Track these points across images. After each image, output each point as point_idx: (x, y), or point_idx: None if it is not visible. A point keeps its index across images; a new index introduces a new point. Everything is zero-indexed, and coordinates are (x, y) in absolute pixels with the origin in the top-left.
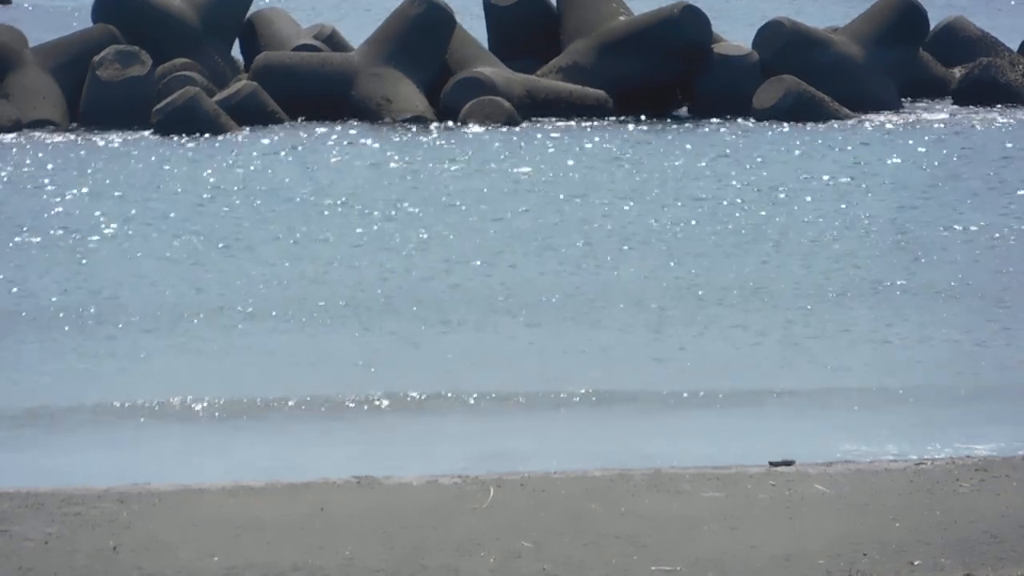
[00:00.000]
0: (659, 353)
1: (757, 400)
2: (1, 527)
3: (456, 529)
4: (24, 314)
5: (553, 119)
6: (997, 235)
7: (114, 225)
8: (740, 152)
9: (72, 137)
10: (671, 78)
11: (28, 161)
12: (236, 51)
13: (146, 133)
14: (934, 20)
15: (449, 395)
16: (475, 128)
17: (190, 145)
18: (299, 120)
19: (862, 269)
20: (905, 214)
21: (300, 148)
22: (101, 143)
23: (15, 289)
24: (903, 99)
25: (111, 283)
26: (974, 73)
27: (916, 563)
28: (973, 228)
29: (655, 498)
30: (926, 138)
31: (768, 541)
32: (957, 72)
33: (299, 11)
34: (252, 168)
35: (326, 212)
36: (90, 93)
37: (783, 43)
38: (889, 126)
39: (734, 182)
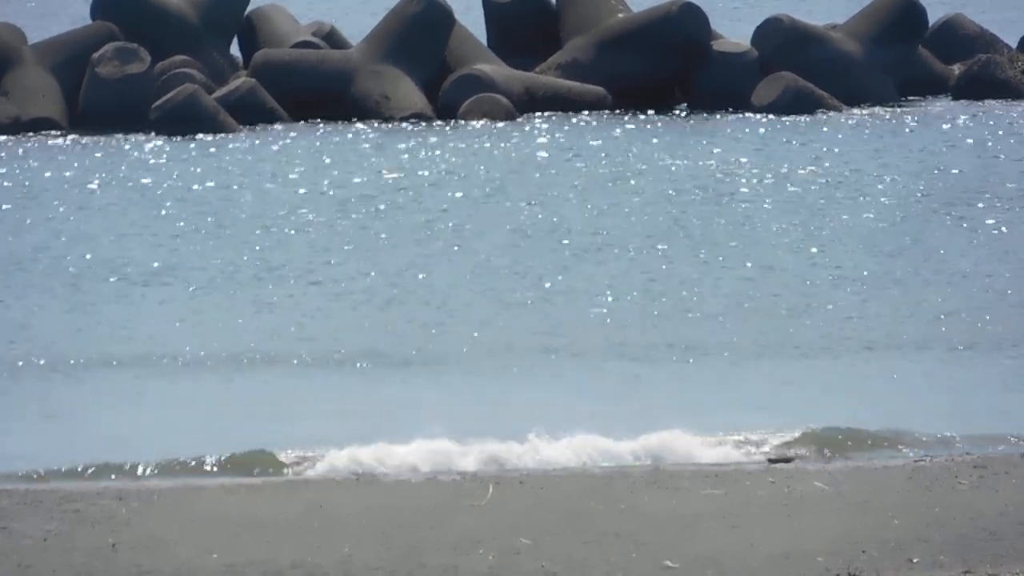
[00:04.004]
0: (657, 351)
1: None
2: (0, 524)
3: (455, 527)
4: (18, 302)
5: (552, 116)
6: (996, 234)
7: (112, 222)
8: (738, 150)
9: (71, 134)
10: (670, 75)
11: (27, 159)
12: (235, 48)
13: (145, 131)
14: (933, 17)
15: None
16: (474, 125)
17: (189, 142)
18: (298, 117)
19: (863, 270)
20: (905, 215)
21: (298, 145)
22: (100, 140)
23: (11, 285)
24: (902, 96)
25: (109, 280)
26: (973, 70)
27: (915, 560)
28: (973, 228)
29: (654, 496)
30: (925, 136)
31: (767, 539)
32: (956, 69)
33: (298, 8)
34: (251, 165)
35: (326, 210)
36: (89, 90)
37: (781, 40)
38: (888, 123)
39: (732, 181)
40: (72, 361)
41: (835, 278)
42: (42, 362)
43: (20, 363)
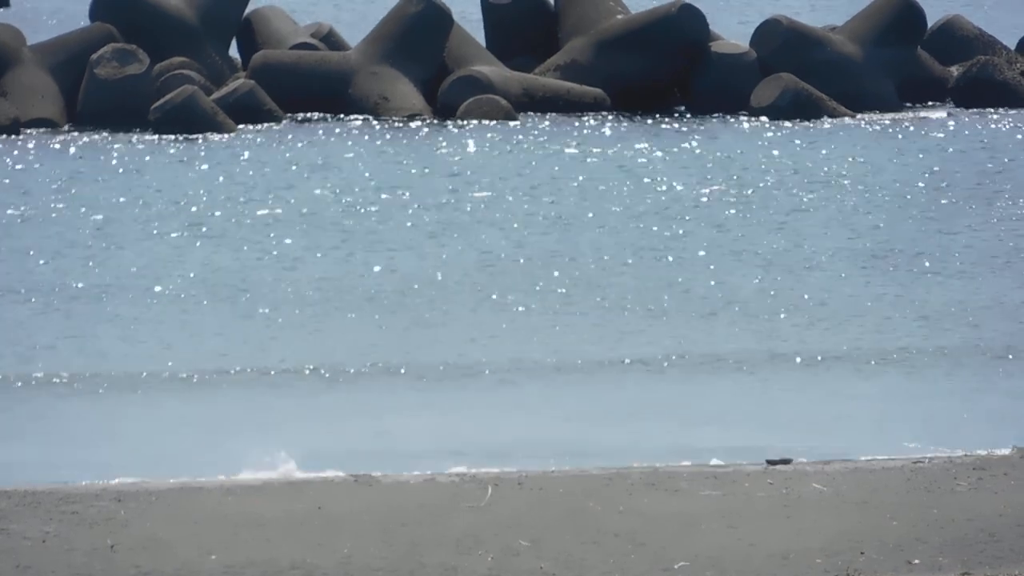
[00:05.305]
0: (656, 350)
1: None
2: None
3: (454, 527)
4: (16, 311)
5: (551, 117)
6: (990, 238)
7: (111, 223)
8: (736, 151)
9: (70, 135)
10: (669, 76)
11: (26, 159)
12: (234, 50)
13: (144, 132)
14: (931, 19)
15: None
16: (472, 126)
17: (188, 143)
18: (296, 118)
19: (860, 275)
20: (903, 216)
21: (297, 146)
22: (99, 141)
23: (11, 286)
24: (901, 98)
25: (107, 281)
26: (971, 71)
27: (914, 562)
28: (969, 231)
29: (653, 496)
30: (924, 137)
31: (766, 539)
32: (955, 71)
33: (296, 10)
34: (249, 166)
35: (323, 209)
36: (88, 91)
37: (781, 42)
38: (886, 125)
39: (729, 182)
40: (73, 371)
41: (830, 281)
42: (38, 372)
43: (16, 369)
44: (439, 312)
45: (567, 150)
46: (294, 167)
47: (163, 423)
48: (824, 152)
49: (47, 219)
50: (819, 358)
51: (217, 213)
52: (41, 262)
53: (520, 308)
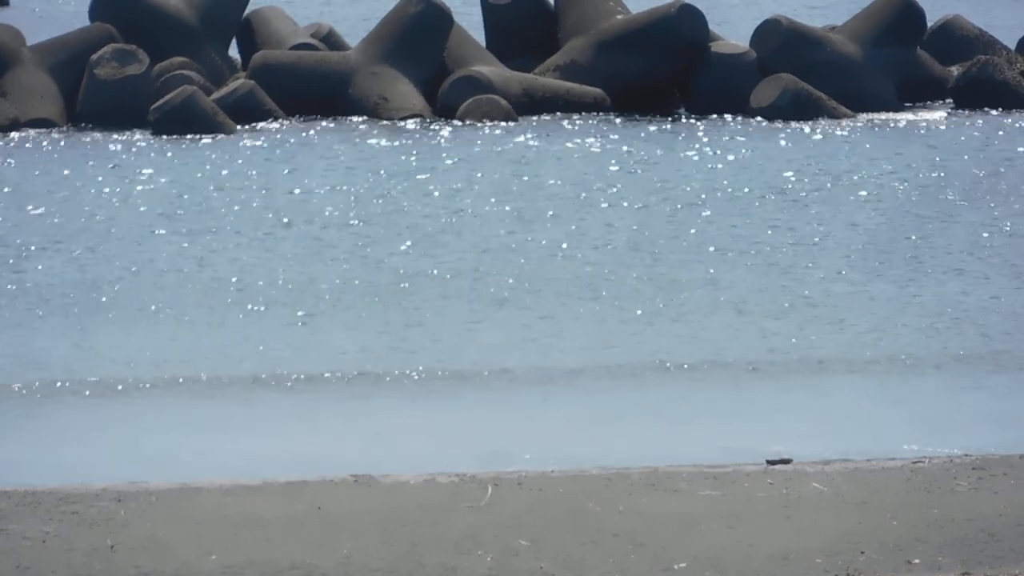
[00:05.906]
0: (656, 351)
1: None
2: None
3: (454, 527)
4: (18, 311)
5: (550, 117)
6: (990, 237)
7: (111, 223)
8: (735, 152)
9: (70, 136)
10: (668, 76)
11: (25, 159)
12: (233, 50)
13: (143, 132)
14: (931, 19)
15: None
16: (472, 126)
17: (187, 143)
18: (296, 118)
19: (859, 275)
20: (903, 216)
21: (297, 147)
22: (98, 142)
23: (11, 288)
24: (900, 98)
25: (106, 281)
26: (971, 72)
27: (914, 562)
28: (970, 230)
29: (653, 497)
30: (923, 137)
31: (766, 539)
32: (954, 71)
33: (296, 10)
34: (249, 167)
35: (323, 210)
36: (88, 92)
37: (780, 42)
38: (886, 125)
39: (729, 183)
40: (72, 371)
41: (830, 281)
42: (38, 373)
43: (16, 369)
44: (438, 312)
45: (567, 150)
46: (294, 167)
47: (163, 423)
48: (824, 152)
49: (46, 219)
50: (819, 358)
51: (216, 213)
52: (40, 262)
53: (519, 308)
